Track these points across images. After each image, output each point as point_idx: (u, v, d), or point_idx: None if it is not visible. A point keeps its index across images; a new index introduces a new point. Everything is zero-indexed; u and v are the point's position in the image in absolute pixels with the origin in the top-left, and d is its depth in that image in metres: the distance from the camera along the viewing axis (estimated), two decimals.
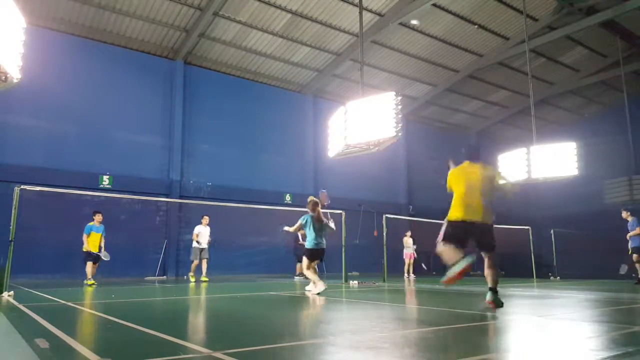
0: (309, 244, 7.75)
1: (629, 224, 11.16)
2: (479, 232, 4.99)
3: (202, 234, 11.94)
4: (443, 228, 5.13)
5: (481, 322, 4.17)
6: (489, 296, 4.88)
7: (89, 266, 10.28)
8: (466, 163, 5.36)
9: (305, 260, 7.74)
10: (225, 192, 15.63)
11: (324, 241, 7.85)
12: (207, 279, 11.63)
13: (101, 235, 10.55)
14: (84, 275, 10.34)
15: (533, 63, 16.16)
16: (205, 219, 12.18)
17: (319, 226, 7.76)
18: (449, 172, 5.42)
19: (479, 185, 5.12)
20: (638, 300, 6.48)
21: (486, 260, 5.04)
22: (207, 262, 11.91)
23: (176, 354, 2.67)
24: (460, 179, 5.23)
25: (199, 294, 7.88)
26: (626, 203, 18.01)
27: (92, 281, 10.13)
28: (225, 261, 14.50)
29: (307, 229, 7.75)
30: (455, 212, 5.04)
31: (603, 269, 15.52)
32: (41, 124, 13.38)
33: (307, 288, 7.80)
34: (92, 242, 10.37)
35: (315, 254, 7.76)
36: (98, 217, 10.56)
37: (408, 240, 16.18)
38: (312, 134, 18.49)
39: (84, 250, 10.33)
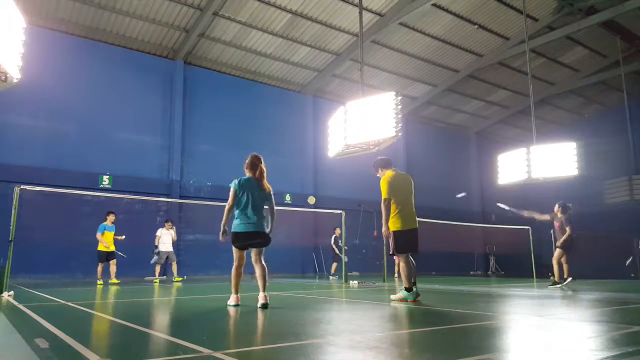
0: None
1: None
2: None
3: (163, 237, 12.69)
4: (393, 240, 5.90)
5: (481, 322, 4.17)
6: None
7: (100, 267, 10.78)
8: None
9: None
10: (225, 192, 15.50)
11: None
12: (180, 279, 12.47)
13: (113, 234, 11.11)
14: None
15: (533, 63, 16.20)
16: (169, 224, 12.83)
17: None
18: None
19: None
20: (638, 300, 6.48)
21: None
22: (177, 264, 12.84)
23: (176, 354, 2.67)
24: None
25: (199, 294, 7.87)
26: (626, 203, 18.04)
27: (115, 280, 10.72)
28: (225, 261, 14.48)
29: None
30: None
31: (603, 269, 15.51)
32: (41, 124, 13.38)
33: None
34: (106, 240, 10.87)
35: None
36: (111, 217, 11.12)
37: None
38: (312, 134, 18.49)
39: (99, 250, 10.77)
